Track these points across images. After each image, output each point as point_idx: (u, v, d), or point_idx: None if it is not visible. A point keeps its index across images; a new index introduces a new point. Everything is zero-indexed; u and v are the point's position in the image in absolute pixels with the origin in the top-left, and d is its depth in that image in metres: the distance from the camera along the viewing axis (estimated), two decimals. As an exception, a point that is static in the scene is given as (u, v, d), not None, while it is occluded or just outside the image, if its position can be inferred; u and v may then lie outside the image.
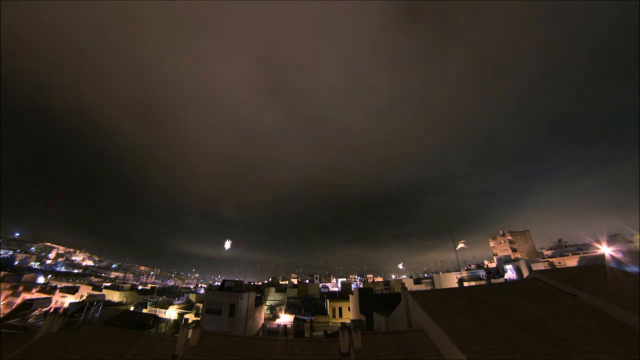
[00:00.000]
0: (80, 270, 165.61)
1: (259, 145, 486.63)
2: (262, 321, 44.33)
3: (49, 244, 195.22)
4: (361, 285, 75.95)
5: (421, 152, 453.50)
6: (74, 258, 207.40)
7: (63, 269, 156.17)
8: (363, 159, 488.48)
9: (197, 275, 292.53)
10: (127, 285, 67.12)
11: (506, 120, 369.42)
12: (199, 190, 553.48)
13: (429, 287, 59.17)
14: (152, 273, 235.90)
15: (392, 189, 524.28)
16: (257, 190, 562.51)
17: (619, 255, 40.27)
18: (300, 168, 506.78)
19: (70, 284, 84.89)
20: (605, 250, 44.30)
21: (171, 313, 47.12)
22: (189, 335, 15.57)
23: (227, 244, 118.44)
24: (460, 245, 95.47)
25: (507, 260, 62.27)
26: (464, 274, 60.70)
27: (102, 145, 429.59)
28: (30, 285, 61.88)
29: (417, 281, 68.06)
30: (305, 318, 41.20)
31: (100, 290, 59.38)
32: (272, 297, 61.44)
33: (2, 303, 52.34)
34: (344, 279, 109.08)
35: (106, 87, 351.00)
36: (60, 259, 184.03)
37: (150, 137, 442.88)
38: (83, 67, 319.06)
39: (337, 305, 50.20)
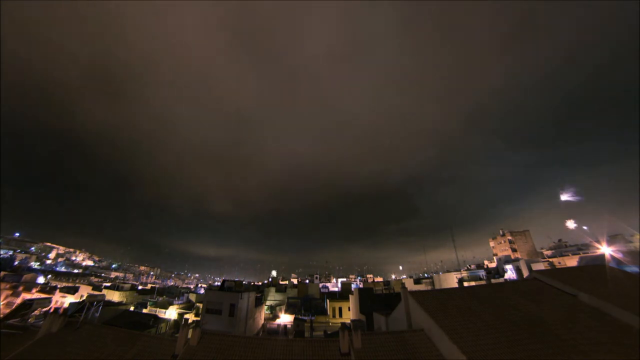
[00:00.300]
0: (80, 270, 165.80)
1: (259, 145, 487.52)
2: (262, 321, 44.30)
3: (49, 244, 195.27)
4: (361, 285, 75.94)
5: (421, 150, 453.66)
6: (74, 258, 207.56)
7: (63, 269, 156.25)
8: (364, 160, 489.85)
9: (197, 275, 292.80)
10: (127, 285, 67.17)
11: (507, 120, 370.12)
12: (199, 190, 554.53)
13: (429, 287, 59.19)
14: (152, 273, 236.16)
15: (392, 188, 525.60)
16: (258, 190, 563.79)
17: (619, 255, 40.24)
18: (301, 167, 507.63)
19: (70, 284, 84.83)
20: (605, 250, 44.29)
21: (171, 313, 47.13)
22: (189, 335, 15.55)
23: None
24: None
25: (507, 260, 62.27)
26: (464, 274, 60.74)
27: (102, 144, 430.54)
28: (30, 285, 61.82)
29: (417, 281, 68.09)
30: (305, 318, 41.09)
31: (100, 290, 59.42)
32: (272, 297, 61.42)
33: (2, 303, 52.30)
34: (344, 279, 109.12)
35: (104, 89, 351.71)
36: (60, 259, 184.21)
37: (149, 136, 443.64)
38: (82, 68, 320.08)
39: (337, 305, 50.21)
